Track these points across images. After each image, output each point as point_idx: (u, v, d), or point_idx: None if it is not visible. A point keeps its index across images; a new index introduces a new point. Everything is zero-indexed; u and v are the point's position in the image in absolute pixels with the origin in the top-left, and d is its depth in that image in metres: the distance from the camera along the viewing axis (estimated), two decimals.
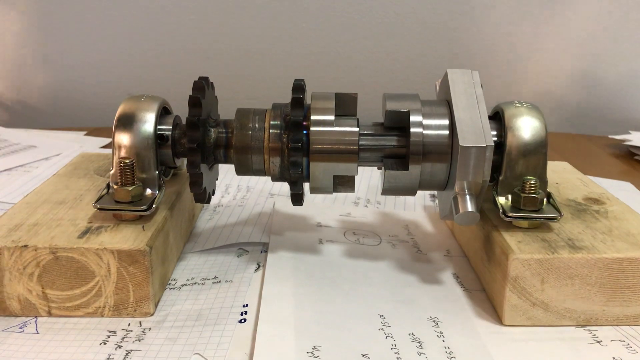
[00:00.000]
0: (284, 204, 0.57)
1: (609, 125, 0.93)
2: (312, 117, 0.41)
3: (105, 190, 0.42)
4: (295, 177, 0.41)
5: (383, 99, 0.42)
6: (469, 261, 0.47)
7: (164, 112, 0.44)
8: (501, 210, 0.40)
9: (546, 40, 0.90)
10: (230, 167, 0.44)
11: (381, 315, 0.39)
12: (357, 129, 0.41)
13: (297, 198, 0.43)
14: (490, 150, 0.38)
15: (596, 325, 0.39)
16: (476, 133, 0.39)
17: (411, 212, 0.57)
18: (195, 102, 0.40)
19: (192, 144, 0.40)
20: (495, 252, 0.40)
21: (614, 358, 0.36)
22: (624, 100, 0.93)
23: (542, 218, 0.40)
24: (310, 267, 0.45)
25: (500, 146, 0.41)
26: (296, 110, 0.40)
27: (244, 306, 0.40)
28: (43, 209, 0.42)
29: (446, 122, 0.41)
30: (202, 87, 0.41)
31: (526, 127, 0.41)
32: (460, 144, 0.38)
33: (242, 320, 0.38)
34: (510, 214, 0.40)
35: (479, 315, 0.40)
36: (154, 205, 0.40)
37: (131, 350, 0.35)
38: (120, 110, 0.42)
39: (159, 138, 0.42)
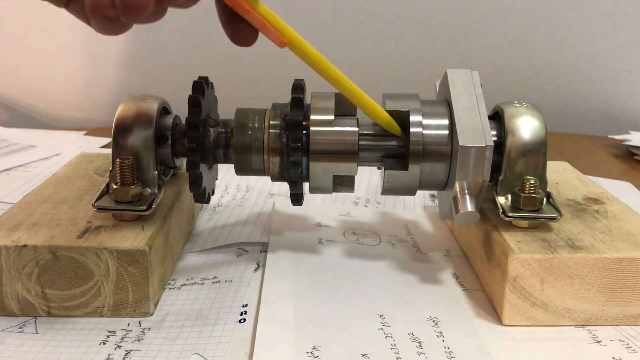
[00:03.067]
0: (284, 203, 0.57)
1: (609, 125, 0.93)
2: (312, 117, 0.41)
3: (104, 190, 0.42)
4: (294, 177, 0.41)
5: (383, 99, 0.42)
6: (468, 261, 0.47)
7: (163, 112, 0.44)
8: (501, 210, 0.40)
9: (546, 39, 0.90)
10: (230, 167, 0.44)
11: (381, 315, 0.39)
12: (356, 129, 0.41)
13: (296, 198, 0.43)
14: (490, 150, 0.38)
15: (596, 325, 0.39)
16: (476, 133, 0.39)
17: (411, 212, 0.57)
18: (194, 102, 0.40)
19: (192, 143, 0.40)
20: (495, 251, 0.40)
21: (613, 358, 0.36)
22: (624, 100, 0.93)
23: (542, 218, 0.40)
24: (310, 266, 0.45)
25: (500, 146, 0.41)
26: (296, 110, 0.40)
27: (243, 306, 0.40)
28: (43, 208, 0.42)
29: (446, 122, 0.41)
30: (201, 87, 0.41)
31: (526, 127, 0.41)
32: (460, 144, 0.38)
33: (242, 320, 0.38)
34: (510, 214, 0.40)
35: (479, 315, 0.40)
36: (153, 205, 0.40)
37: (131, 350, 0.35)
38: (120, 110, 0.42)
39: (158, 138, 0.42)
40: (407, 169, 0.41)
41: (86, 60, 0.92)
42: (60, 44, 0.91)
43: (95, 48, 0.91)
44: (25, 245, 0.37)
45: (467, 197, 0.38)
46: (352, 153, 0.41)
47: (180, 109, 0.44)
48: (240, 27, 0.37)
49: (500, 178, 0.41)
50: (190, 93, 0.41)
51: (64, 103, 0.94)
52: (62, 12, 0.34)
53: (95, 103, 0.94)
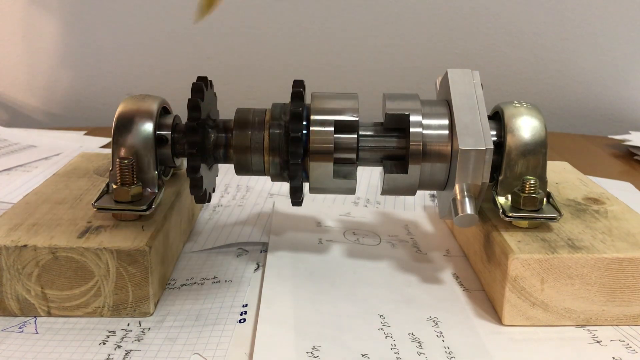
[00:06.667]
0: (284, 204, 0.57)
1: (609, 125, 0.93)
2: (312, 117, 0.41)
3: (104, 190, 0.42)
4: (294, 176, 0.41)
5: (383, 99, 0.42)
6: (468, 261, 0.47)
7: (163, 112, 0.44)
8: (501, 210, 0.40)
9: (546, 39, 0.90)
10: (230, 167, 0.44)
11: (381, 315, 0.39)
12: (356, 129, 0.41)
13: (296, 198, 0.43)
14: (489, 153, 0.38)
15: (596, 325, 0.39)
16: (476, 135, 0.39)
17: (411, 212, 0.57)
18: (194, 106, 0.40)
19: (192, 149, 0.40)
20: (495, 252, 0.40)
21: (613, 358, 0.36)
22: (624, 100, 0.93)
23: (542, 218, 0.40)
24: (309, 267, 0.45)
25: (500, 146, 0.41)
26: (296, 102, 0.40)
27: (243, 306, 0.40)
28: (43, 208, 0.42)
29: (446, 122, 0.40)
30: (200, 88, 0.41)
31: (526, 127, 0.41)
32: (460, 147, 0.38)
33: (242, 320, 0.38)
34: (510, 214, 0.40)
35: (479, 315, 0.40)
36: (153, 205, 0.40)
37: (130, 350, 0.35)
38: (119, 110, 0.42)
39: (158, 138, 0.42)
40: (406, 172, 0.41)
41: (86, 60, 0.92)
42: (61, 44, 0.91)
43: (94, 48, 0.91)
44: (25, 245, 0.37)
45: (467, 199, 0.38)
46: (351, 153, 0.41)
47: (180, 109, 0.44)
48: None
49: (500, 178, 0.41)
50: (190, 94, 0.41)
51: (64, 103, 0.94)
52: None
53: (95, 103, 0.94)
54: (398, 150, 0.42)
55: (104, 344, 0.36)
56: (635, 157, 0.78)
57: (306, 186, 0.43)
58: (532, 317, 0.38)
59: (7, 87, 0.93)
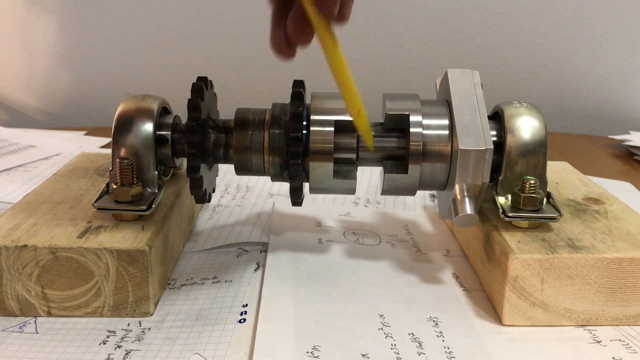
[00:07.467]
0: (284, 204, 0.57)
1: (609, 125, 0.93)
2: (312, 117, 0.41)
3: (104, 190, 0.42)
4: (294, 176, 0.41)
5: (383, 99, 0.42)
6: (468, 261, 0.47)
7: (163, 112, 0.44)
8: (501, 210, 0.40)
9: (546, 39, 0.90)
10: (230, 167, 0.44)
11: (381, 315, 0.39)
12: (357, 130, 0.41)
13: (296, 198, 0.43)
14: (489, 153, 0.38)
15: (596, 325, 0.39)
16: (476, 136, 0.39)
17: (411, 212, 0.57)
18: (194, 106, 0.40)
19: (192, 149, 0.40)
20: (495, 251, 0.40)
21: (613, 358, 0.36)
22: (624, 100, 0.93)
23: (542, 218, 0.40)
24: (310, 267, 0.45)
25: (500, 146, 0.41)
26: (296, 102, 0.40)
27: (243, 306, 0.40)
28: (42, 208, 0.42)
29: (446, 122, 0.41)
30: (200, 89, 0.41)
31: (526, 127, 0.41)
32: (460, 147, 0.38)
33: (242, 320, 0.38)
34: (510, 214, 0.40)
35: (479, 315, 0.40)
36: (153, 205, 0.40)
37: (131, 350, 0.35)
38: (119, 110, 0.42)
39: (158, 138, 0.42)
40: (406, 173, 0.41)
41: (86, 60, 0.92)
42: (60, 44, 0.91)
43: (93, 48, 0.91)
44: (25, 245, 0.37)
45: (467, 199, 0.38)
46: (351, 153, 0.41)
47: (180, 109, 0.44)
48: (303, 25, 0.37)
49: (500, 178, 0.41)
50: (190, 94, 0.41)
51: (63, 103, 0.94)
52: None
53: (96, 103, 0.94)
54: (398, 150, 0.42)
55: (104, 344, 0.36)
56: (635, 157, 0.78)
57: (306, 186, 0.43)
58: (532, 317, 0.38)
59: (7, 87, 0.93)
